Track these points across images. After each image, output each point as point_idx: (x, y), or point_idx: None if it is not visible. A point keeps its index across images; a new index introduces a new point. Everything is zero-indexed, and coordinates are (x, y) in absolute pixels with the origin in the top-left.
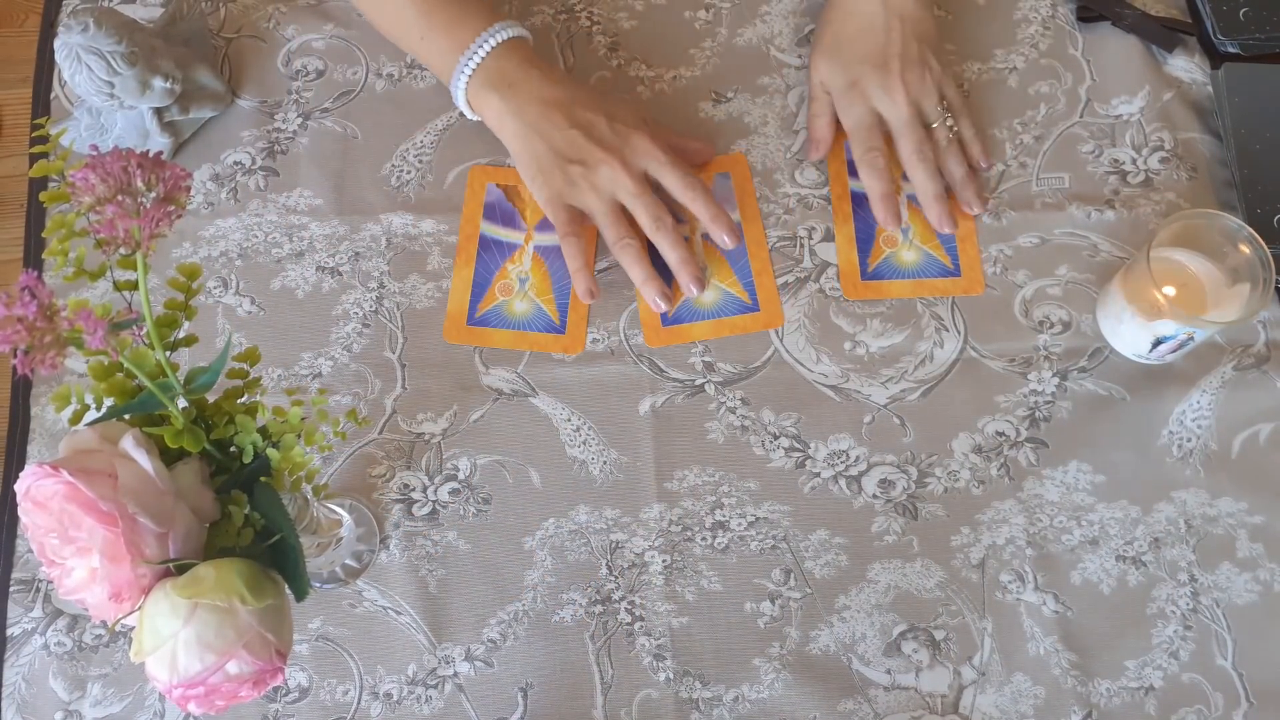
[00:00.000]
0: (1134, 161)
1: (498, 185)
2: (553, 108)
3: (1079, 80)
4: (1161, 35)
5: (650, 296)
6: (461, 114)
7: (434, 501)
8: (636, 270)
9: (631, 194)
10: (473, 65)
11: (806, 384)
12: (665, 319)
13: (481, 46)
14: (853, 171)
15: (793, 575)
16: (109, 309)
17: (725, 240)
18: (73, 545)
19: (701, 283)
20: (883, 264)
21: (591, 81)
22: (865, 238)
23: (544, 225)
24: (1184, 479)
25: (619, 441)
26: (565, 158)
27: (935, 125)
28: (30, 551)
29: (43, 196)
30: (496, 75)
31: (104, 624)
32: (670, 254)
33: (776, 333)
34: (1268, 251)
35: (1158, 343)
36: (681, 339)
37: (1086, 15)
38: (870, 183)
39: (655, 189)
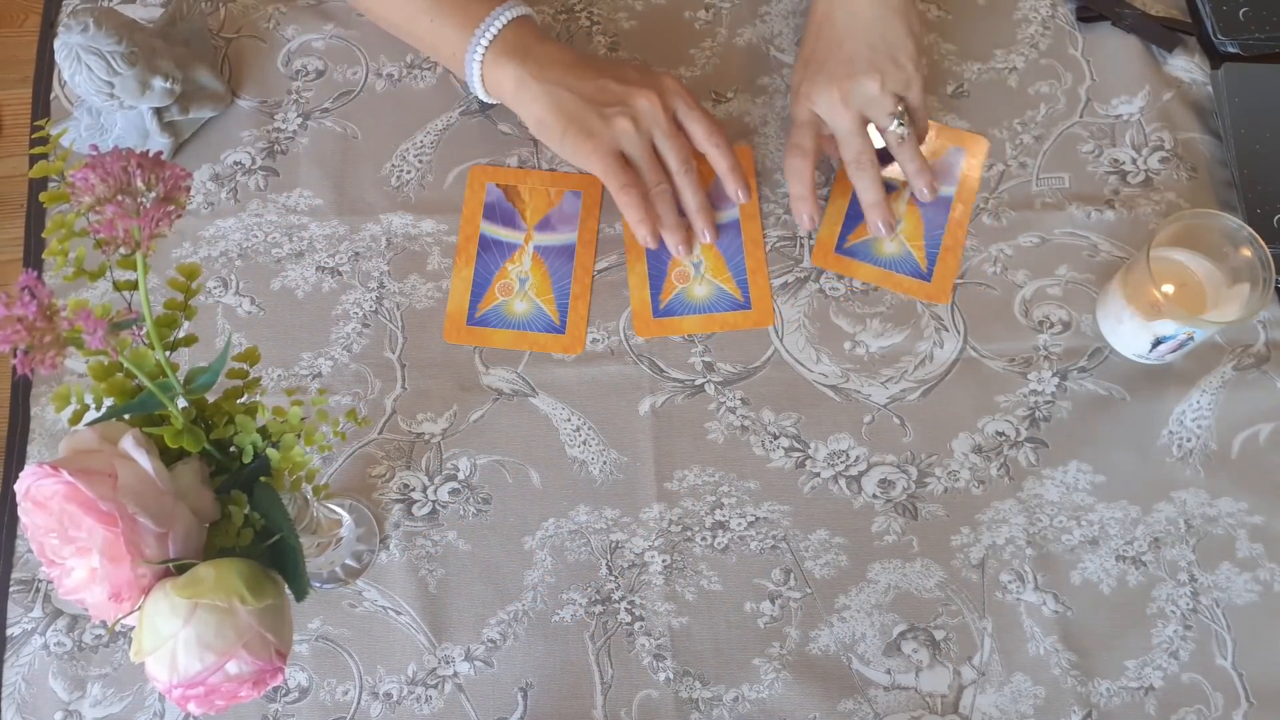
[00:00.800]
0: (1134, 161)
1: (498, 185)
2: (573, 66)
3: (1079, 80)
4: (1161, 35)
5: (673, 241)
6: (461, 112)
7: (434, 501)
8: (671, 216)
9: (665, 133)
10: (488, 38)
11: (806, 384)
12: (656, 310)
13: (496, 20)
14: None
15: (793, 575)
16: (109, 309)
17: (740, 195)
18: (73, 545)
19: (715, 231)
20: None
21: None
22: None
23: (543, 225)
24: (1184, 479)
25: (619, 441)
26: (597, 102)
27: (892, 128)
28: (30, 551)
29: (43, 197)
30: (513, 45)
31: (104, 624)
32: (692, 199)
33: (776, 332)
34: (1268, 251)
35: (1158, 343)
36: (671, 331)
37: (1086, 15)
38: (862, 189)
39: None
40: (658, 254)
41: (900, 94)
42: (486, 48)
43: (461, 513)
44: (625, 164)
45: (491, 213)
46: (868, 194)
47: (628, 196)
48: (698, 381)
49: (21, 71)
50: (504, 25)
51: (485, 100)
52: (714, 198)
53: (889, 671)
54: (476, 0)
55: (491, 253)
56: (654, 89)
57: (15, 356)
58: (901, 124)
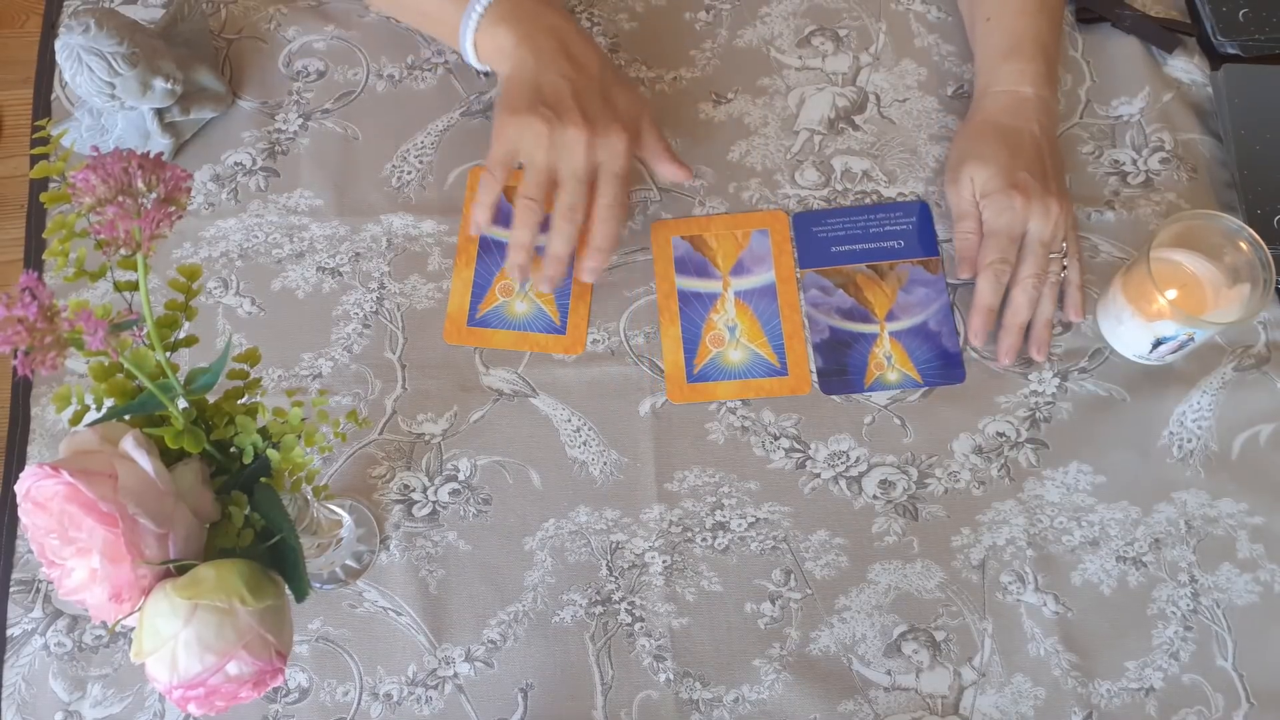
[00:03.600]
0: (1134, 162)
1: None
2: (561, 52)
3: (1079, 81)
4: (1161, 36)
5: (514, 259)
6: (462, 113)
7: (434, 502)
8: (524, 232)
9: (574, 175)
10: (485, 1)
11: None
12: (690, 375)
13: None
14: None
15: (793, 576)
16: (109, 310)
17: (584, 273)
18: (73, 546)
19: (550, 287)
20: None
21: None
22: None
23: (542, 227)
24: (1184, 480)
25: (619, 442)
26: (542, 98)
27: (1052, 257)
28: (30, 552)
29: (43, 197)
30: (509, 9)
31: (104, 625)
32: (556, 243)
33: None
34: (1268, 252)
35: (1158, 343)
36: (706, 397)
37: (1086, 16)
38: (984, 291)
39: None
40: (691, 317)
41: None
42: (482, 14)
43: (462, 513)
44: (512, 164)
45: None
46: (1023, 312)
47: (486, 178)
48: None
49: (22, 72)
50: None
51: (478, 68)
52: (748, 260)
53: (889, 672)
54: None
55: (492, 254)
56: (589, 133)
57: (16, 357)
58: (1065, 257)
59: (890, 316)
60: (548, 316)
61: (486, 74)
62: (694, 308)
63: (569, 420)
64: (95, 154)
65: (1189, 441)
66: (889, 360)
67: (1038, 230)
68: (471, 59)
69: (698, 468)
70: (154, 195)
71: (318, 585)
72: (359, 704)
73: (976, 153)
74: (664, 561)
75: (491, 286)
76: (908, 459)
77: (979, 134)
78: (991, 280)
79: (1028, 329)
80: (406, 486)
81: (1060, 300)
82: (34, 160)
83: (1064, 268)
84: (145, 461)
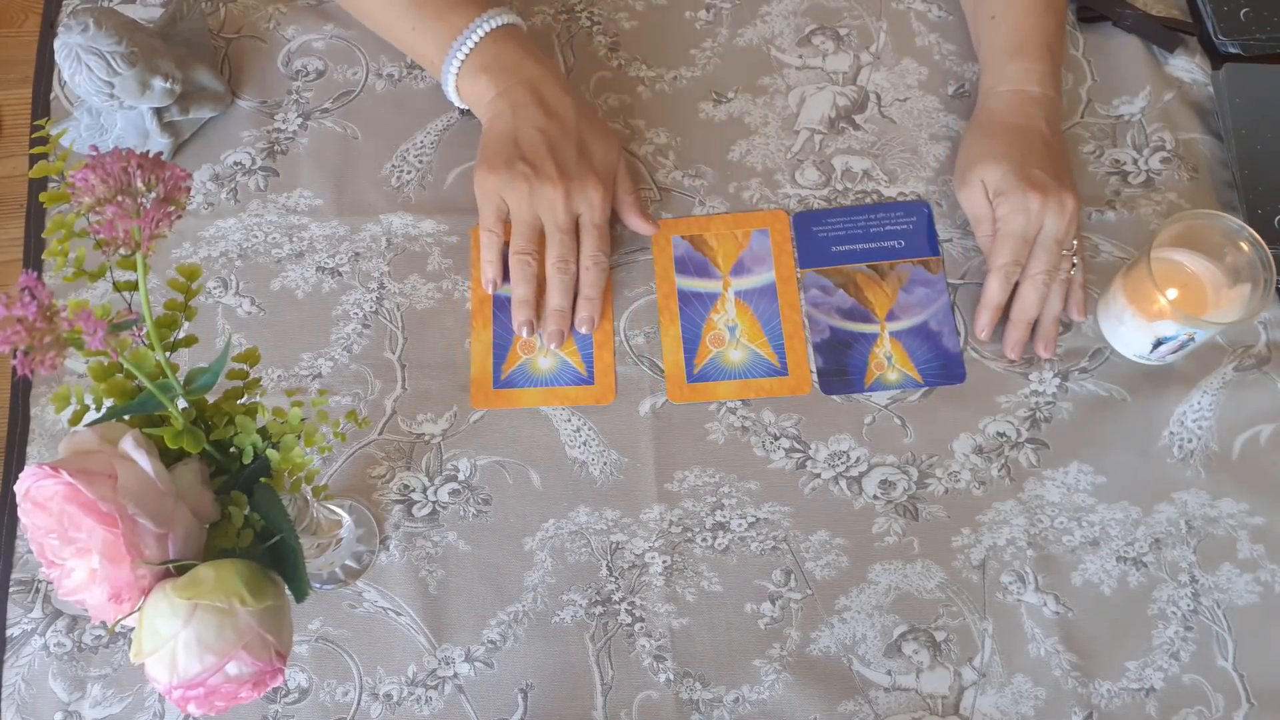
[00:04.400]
0: (1135, 162)
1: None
2: (536, 101)
3: (1080, 81)
4: (1162, 35)
5: (518, 317)
6: (460, 112)
7: (434, 502)
8: (523, 288)
9: (558, 227)
10: (466, 49)
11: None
12: (690, 375)
13: (476, 30)
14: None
15: (793, 576)
16: (109, 309)
17: (581, 326)
18: (72, 546)
19: (558, 342)
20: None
21: (591, 83)
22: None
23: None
24: (1185, 480)
25: (619, 442)
26: (520, 153)
27: (1066, 253)
28: (30, 552)
29: (43, 197)
30: (490, 58)
31: (104, 625)
32: (554, 297)
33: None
34: (1268, 252)
35: (1158, 343)
36: (706, 397)
37: (1087, 15)
38: (993, 289)
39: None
40: (692, 317)
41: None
42: (463, 61)
43: (461, 513)
44: (503, 213)
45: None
46: (1032, 309)
47: (486, 237)
48: None
49: (21, 72)
50: (483, 36)
51: (460, 107)
52: (748, 260)
53: (889, 673)
54: (461, 5)
55: (508, 312)
56: (565, 187)
57: (15, 357)
58: (1076, 256)
59: (891, 316)
60: (574, 369)
61: (464, 112)
62: (694, 308)
63: (569, 420)
64: (94, 154)
65: (1189, 441)
66: (889, 360)
67: (1053, 227)
68: (454, 100)
69: (698, 468)
70: (153, 195)
71: (317, 585)
72: (359, 704)
73: (987, 152)
74: (664, 561)
75: (512, 346)
76: (908, 459)
77: (987, 133)
78: (1001, 280)
79: (1034, 325)
80: (406, 486)
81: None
82: (33, 160)
83: (1073, 265)
84: (145, 461)
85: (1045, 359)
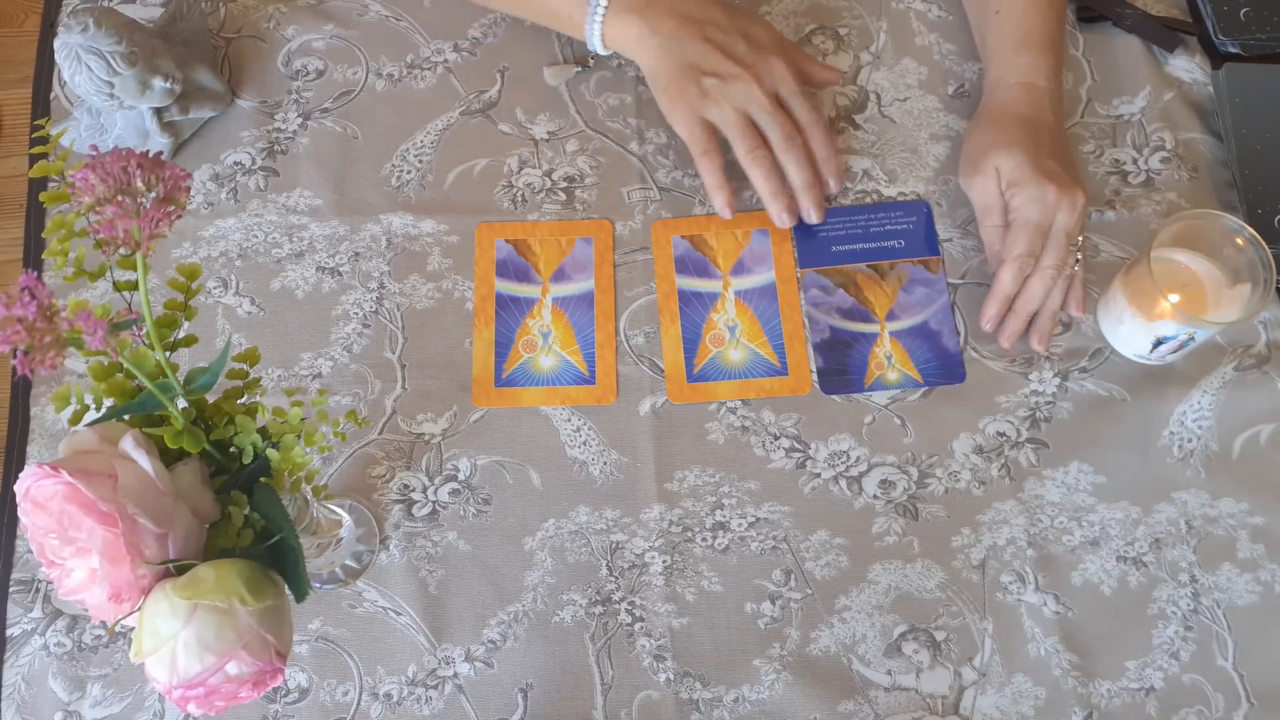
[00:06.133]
0: (1135, 162)
1: (507, 241)
2: (687, 21)
3: (1080, 80)
4: (1162, 35)
5: (777, 210)
6: (461, 112)
7: (434, 502)
8: (770, 183)
9: (765, 110)
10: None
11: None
12: (690, 375)
13: None
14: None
15: (793, 576)
16: (109, 309)
17: (831, 182)
18: (72, 546)
19: (823, 209)
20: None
21: (592, 83)
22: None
23: (559, 276)
24: (1185, 480)
25: (619, 442)
26: (699, 70)
27: (1071, 249)
28: (30, 552)
29: (43, 197)
30: (629, 1)
31: (104, 625)
32: (797, 175)
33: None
34: (1268, 252)
35: (1158, 343)
36: (706, 397)
37: (1087, 15)
38: (1006, 280)
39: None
40: (692, 317)
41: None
42: (606, 6)
43: (462, 513)
44: (710, 132)
45: (505, 269)
46: (1038, 300)
47: (705, 163)
48: None
49: (21, 71)
50: None
51: (602, 54)
52: (748, 260)
53: (889, 672)
54: None
55: (510, 310)
56: (753, 73)
57: (15, 357)
58: (1079, 260)
59: (891, 316)
60: (575, 368)
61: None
62: (694, 307)
63: (569, 420)
64: (94, 153)
65: (1189, 441)
66: (889, 360)
67: (1065, 221)
68: (599, 49)
69: (698, 468)
70: (153, 195)
71: (317, 585)
72: (359, 704)
73: (1001, 142)
74: (664, 561)
75: (514, 344)
76: (908, 459)
77: (999, 124)
78: (1015, 272)
79: (1032, 319)
80: (406, 486)
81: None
82: (33, 160)
83: (1077, 260)
84: (145, 461)
85: (1042, 354)
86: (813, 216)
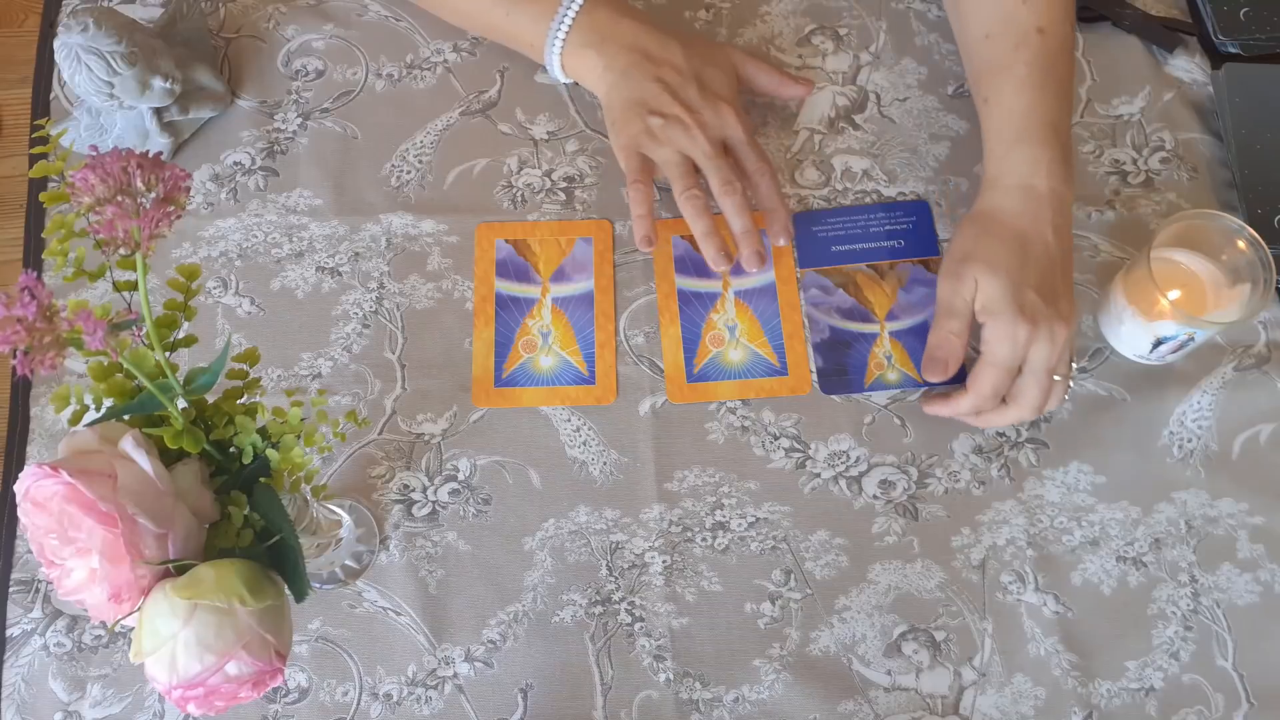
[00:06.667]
0: (1134, 162)
1: (507, 241)
2: (643, 59)
3: (1079, 80)
4: (1162, 35)
5: (710, 252)
6: (461, 112)
7: (434, 502)
8: (701, 222)
9: (706, 155)
10: (566, 26)
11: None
12: (690, 375)
13: (570, 7)
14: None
15: (793, 576)
16: (108, 309)
17: (778, 238)
18: (72, 546)
19: (762, 259)
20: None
21: None
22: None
23: (559, 276)
24: (1184, 480)
25: (619, 442)
26: (646, 108)
27: (1058, 379)
28: (30, 552)
29: (43, 197)
30: (590, 31)
31: (103, 625)
32: (735, 221)
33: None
34: (1268, 252)
35: (1158, 343)
36: (706, 397)
37: (1087, 15)
38: (965, 405)
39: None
40: (692, 317)
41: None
42: (565, 39)
43: (461, 513)
44: (647, 165)
45: (504, 269)
46: (969, 408)
47: (633, 192)
48: None
49: (21, 71)
50: (578, 11)
51: (566, 83)
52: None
53: (889, 672)
54: None
55: (510, 310)
56: (699, 119)
57: (15, 357)
58: (1072, 377)
59: (890, 316)
60: (575, 368)
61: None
62: (694, 308)
63: (568, 420)
64: (94, 153)
65: (1189, 441)
66: (889, 360)
67: (1040, 358)
68: (560, 78)
69: (698, 468)
70: (153, 195)
71: (317, 585)
72: (359, 704)
73: (985, 256)
74: (664, 561)
75: (514, 343)
76: (908, 459)
77: (988, 232)
78: (973, 405)
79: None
80: (406, 486)
81: None
82: (33, 160)
83: (1068, 389)
84: (145, 461)
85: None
86: (751, 265)
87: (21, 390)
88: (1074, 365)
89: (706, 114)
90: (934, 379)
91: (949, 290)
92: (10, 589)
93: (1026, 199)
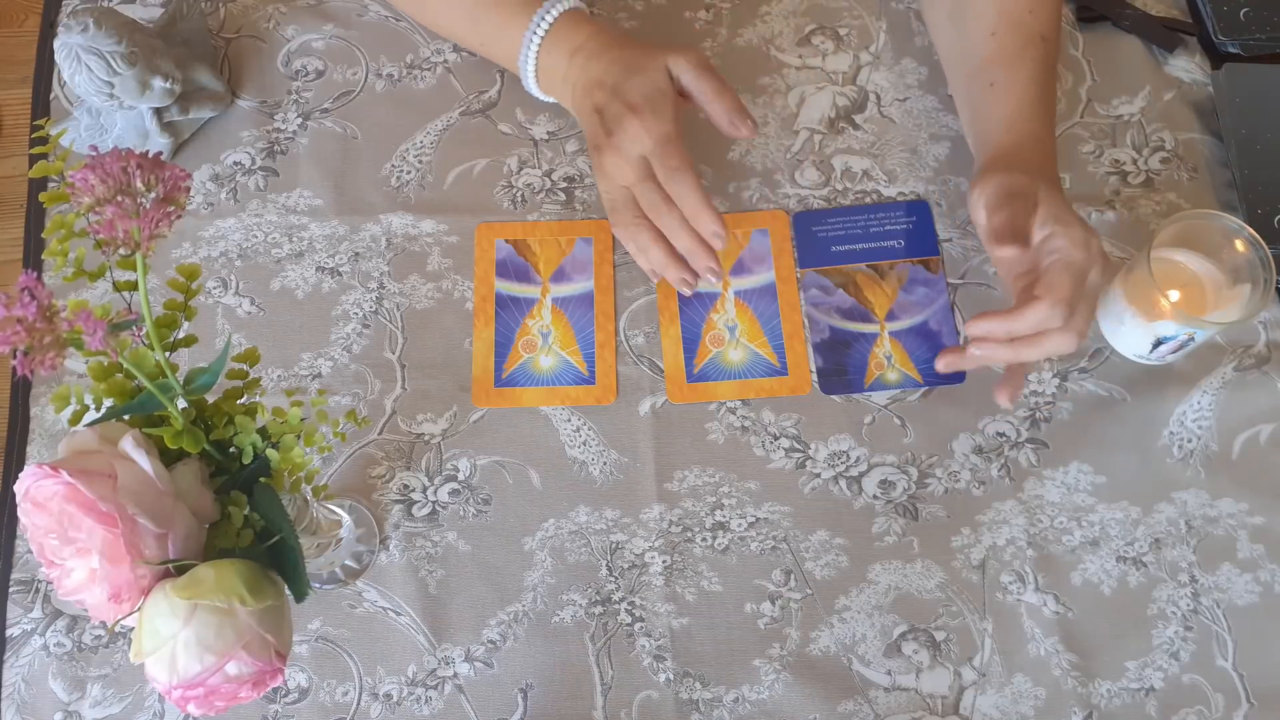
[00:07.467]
0: (1135, 162)
1: (507, 241)
2: (591, 88)
3: (1079, 80)
4: (1162, 35)
5: (674, 279)
6: (461, 112)
7: (434, 502)
8: (652, 253)
9: (633, 180)
10: (536, 44)
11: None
12: (690, 375)
13: (541, 22)
14: None
15: (793, 576)
16: (108, 309)
17: (714, 240)
18: (72, 546)
19: (716, 275)
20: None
21: None
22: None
23: (559, 276)
24: (1185, 480)
25: (619, 442)
26: (603, 119)
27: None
28: (30, 552)
29: (43, 197)
30: (558, 47)
31: (103, 625)
32: (677, 241)
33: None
34: (1268, 252)
35: (1158, 343)
36: (706, 397)
37: (1087, 15)
38: (1027, 320)
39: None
40: (692, 317)
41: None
42: (537, 54)
43: (461, 513)
44: (626, 196)
45: (504, 270)
46: (1027, 327)
47: (617, 232)
48: None
49: (21, 71)
50: (549, 28)
51: (545, 100)
52: (748, 260)
53: (889, 672)
54: (518, 12)
55: (510, 310)
56: (613, 142)
57: (15, 357)
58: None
59: (890, 316)
60: (575, 368)
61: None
62: (694, 308)
63: (568, 420)
64: (94, 153)
65: (1189, 441)
66: (889, 360)
67: (1096, 281)
68: (542, 98)
69: (698, 468)
70: (153, 195)
71: (317, 585)
72: (359, 704)
73: (1040, 174)
74: (664, 561)
75: (514, 343)
76: (908, 459)
77: (1028, 162)
78: (1046, 317)
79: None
80: (406, 486)
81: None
82: (33, 160)
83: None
84: (145, 461)
85: (1007, 406)
86: (710, 279)
87: (21, 390)
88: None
89: (620, 137)
90: (1016, 297)
91: (1004, 210)
92: (10, 589)
93: (1035, 153)
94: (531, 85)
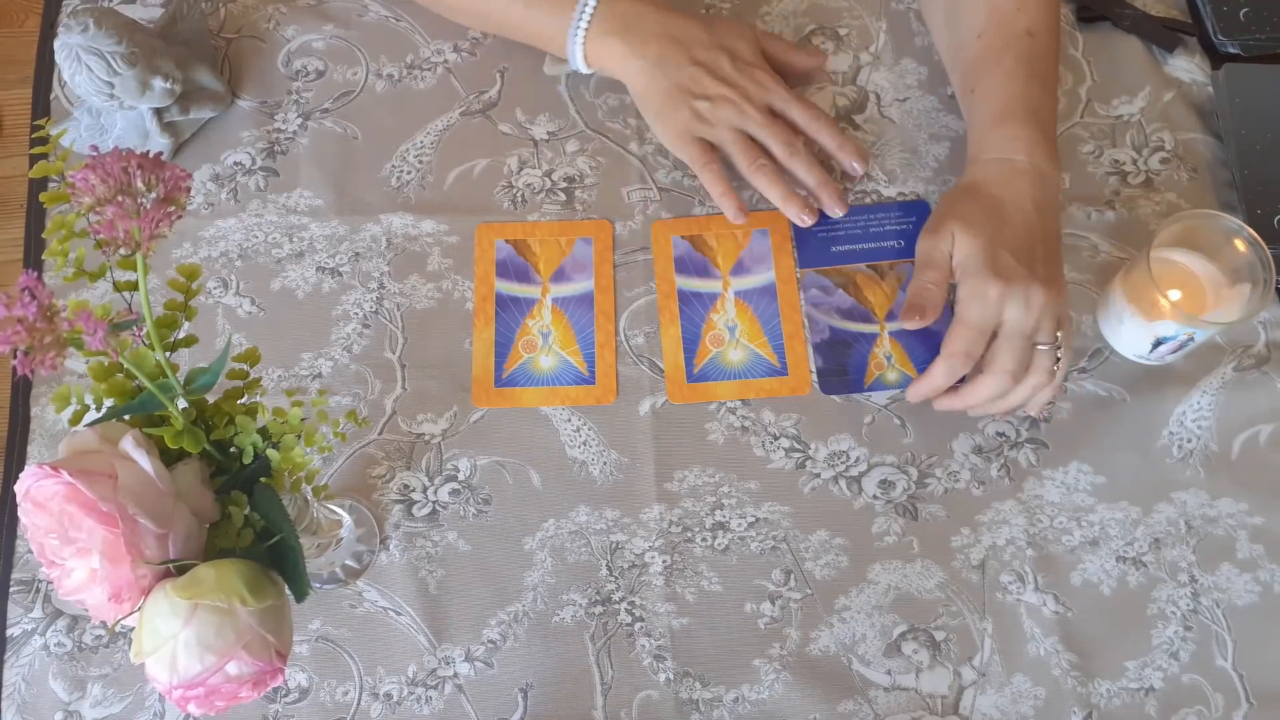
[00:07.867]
0: (1134, 162)
1: (507, 241)
2: (671, 44)
3: (1079, 81)
4: (1162, 35)
5: (794, 213)
6: (461, 113)
7: (434, 502)
8: (777, 189)
9: (760, 125)
10: (588, 15)
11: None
12: (690, 375)
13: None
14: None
15: (793, 576)
16: (109, 309)
17: (854, 166)
18: (73, 546)
19: (843, 201)
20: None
21: (592, 82)
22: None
23: (558, 277)
24: (1184, 480)
25: (619, 442)
26: (690, 93)
27: (1044, 348)
28: (30, 552)
29: (43, 197)
30: (613, 19)
31: (104, 625)
32: (809, 177)
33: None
34: (1268, 252)
35: (1158, 343)
36: (706, 397)
37: (1086, 15)
38: (937, 375)
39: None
40: (691, 317)
41: (1054, 326)
42: (586, 28)
43: (462, 513)
44: (706, 146)
45: (505, 270)
46: (941, 380)
47: (707, 175)
48: None
49: (21, 72)
50: (598, 2)
51: (585, 73)
52: (748, 260)
53: (889, 672)
54: None
55: (510, 310)
56: (741, 91)
57: (15, 357)
58: (1060, 347)
59: (890, 316)
60: (575, 368)
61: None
62: (694, 308)
63: (569, 420)
64: (94, 153)
65: (1189, 441)
66: (889, 360)
67: (1014, 319)
68: (582, 69)
69: (698, 468)
70: (153, 195)
71: (318, 585)
72: (359, 704)
73: (964, 213)
74: (664, 561)
75: (514, 344)
76: (908, 459)
77: (967, 194)
78: (946, 370)
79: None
80: (406, 486)
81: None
82: (33, 160)
83: (1056, 360)
84: (145, 461)
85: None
86: (835, 211)
87: (22, 390)
88: (1059, 336)
89: (748, 85)
90: (911, 326)
91: (927, 245)
92: (10, 589)
93: (1006, 172)
94: (579, 41)
